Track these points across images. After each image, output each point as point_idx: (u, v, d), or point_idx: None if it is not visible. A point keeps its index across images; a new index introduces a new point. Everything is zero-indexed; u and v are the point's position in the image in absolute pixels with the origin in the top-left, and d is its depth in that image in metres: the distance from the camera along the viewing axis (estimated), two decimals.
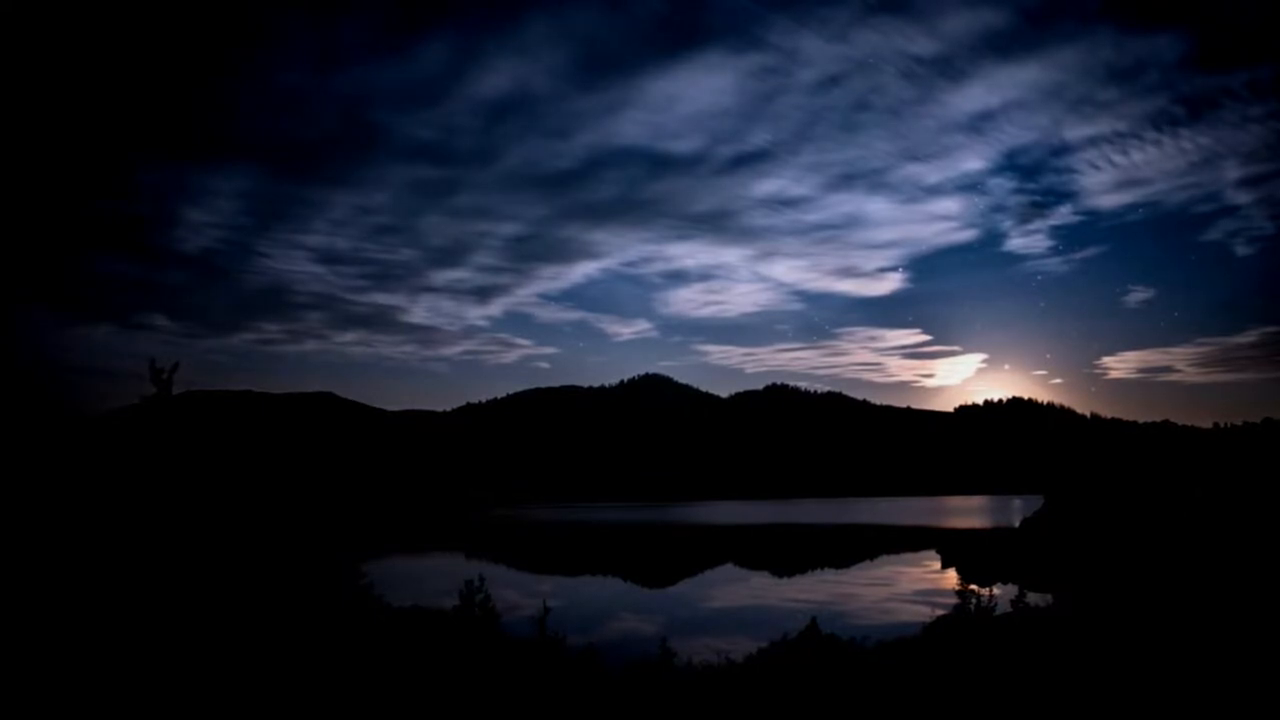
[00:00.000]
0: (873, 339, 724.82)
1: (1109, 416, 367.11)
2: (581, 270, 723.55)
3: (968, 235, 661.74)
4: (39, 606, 11.64)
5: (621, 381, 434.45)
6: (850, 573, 70.67)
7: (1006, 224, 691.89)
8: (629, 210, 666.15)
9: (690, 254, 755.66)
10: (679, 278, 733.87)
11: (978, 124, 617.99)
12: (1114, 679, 13.23)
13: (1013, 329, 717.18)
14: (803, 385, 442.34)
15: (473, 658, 13.61)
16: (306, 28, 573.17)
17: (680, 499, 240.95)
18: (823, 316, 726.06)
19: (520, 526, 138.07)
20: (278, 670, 11.16)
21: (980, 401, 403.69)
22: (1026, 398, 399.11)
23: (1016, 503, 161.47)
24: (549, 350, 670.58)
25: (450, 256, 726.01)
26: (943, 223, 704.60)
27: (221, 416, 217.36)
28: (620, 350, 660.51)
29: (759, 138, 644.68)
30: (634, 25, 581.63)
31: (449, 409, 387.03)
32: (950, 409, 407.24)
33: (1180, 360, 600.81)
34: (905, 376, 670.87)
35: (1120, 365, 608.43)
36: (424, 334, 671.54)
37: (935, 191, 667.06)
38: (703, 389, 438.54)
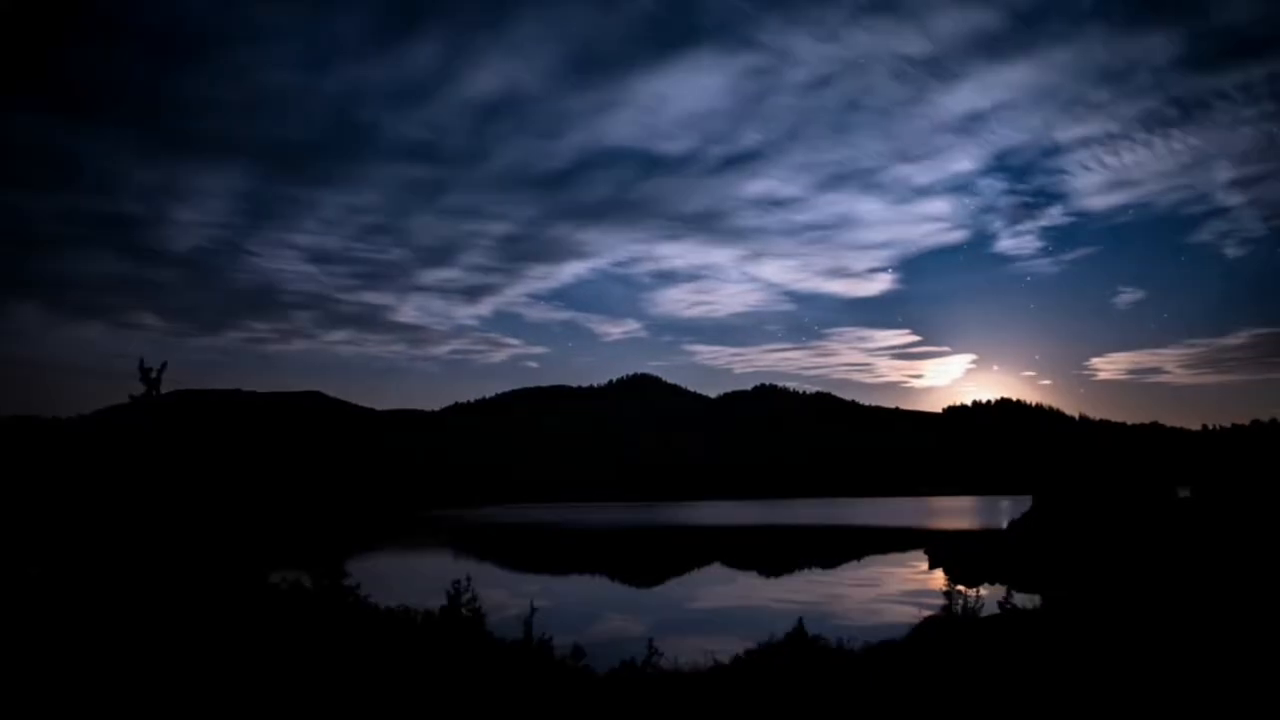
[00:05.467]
0: (862, 339, 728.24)
1: (1098, 418, 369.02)
2: (571, 270, 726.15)
3: (958, 236, 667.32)
4: (22, 608, 11.58)
5: (610, 381, 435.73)
6: (837, 573, 70.81)
7: (997, 225, 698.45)
8: (619, 210, 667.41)
9: (680, 254, 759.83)
10: (668, 278, 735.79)
11: (968, 125, 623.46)
12: (1100, 679, 13.28)
13: (1002, 330, 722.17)
14: (791, 386, 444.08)
15: (459, 658, 13.58)
16: (297, 27, 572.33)
17: (668, 499, 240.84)
18: (812, 317, 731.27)
19: (508, 526, 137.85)
20: (261, 670, 11.11)
21: (969, 402, 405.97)
22: (1015, 399, 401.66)
23: (1004, 504, 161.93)
24: (538, 350, 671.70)
25: (440, 256, 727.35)
26: (933, 223, 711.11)
27: (209, 415, 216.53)
28: (609, 350, 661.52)
29: (750, 138, 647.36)
30: (625, 25, 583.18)
31: (438, 408, 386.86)
32: (939, 410, 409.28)
33: (1169, 362, 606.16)
34: (894, 377, 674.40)
35: (1109, 366, 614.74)
36: (413, 333, 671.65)
37: (926, 192, 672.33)
38: (691, 389, 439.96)
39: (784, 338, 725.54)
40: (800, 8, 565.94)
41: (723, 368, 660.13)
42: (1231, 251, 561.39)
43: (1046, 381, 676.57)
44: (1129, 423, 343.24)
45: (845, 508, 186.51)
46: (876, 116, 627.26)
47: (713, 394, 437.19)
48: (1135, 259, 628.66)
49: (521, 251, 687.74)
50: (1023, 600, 21.62)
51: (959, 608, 17.93)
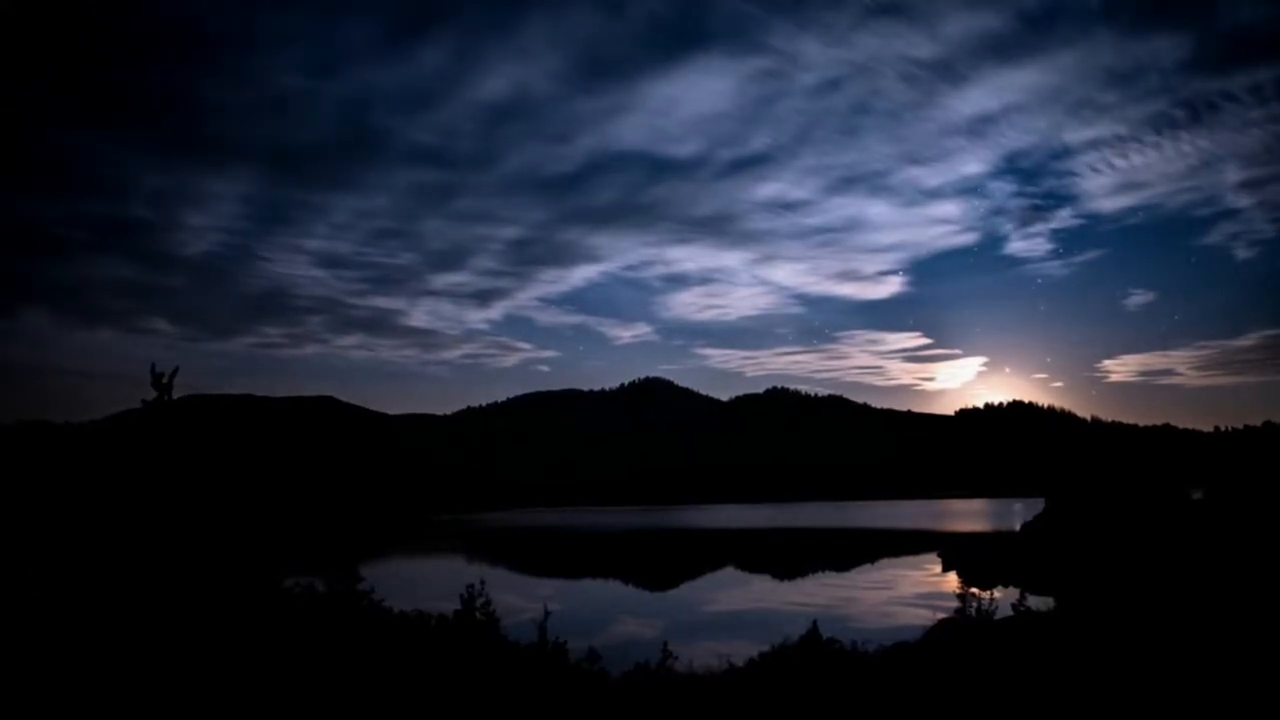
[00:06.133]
0: (873, 342, 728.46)
1: (1110, 420, 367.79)
2: (581, 274, 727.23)
3: (968, 238, 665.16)
4: (35, 612, 11.63)
5: (622, 385, 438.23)
6: (851, 576, 70.70)
7: (1007, 227, 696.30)
8: (629, 214, 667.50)
9: (690, 257, 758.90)
10: (679, 281, 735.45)
11: (978, 127, 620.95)
12: (1114, 682, 13.23)
13: (1013, 332, 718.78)
14: (803, 388, 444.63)
15: (474, 661, 13.61)
16: (308, 31, 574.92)
17: (681, 502, 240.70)
18: (823, 320, 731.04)
19: (521, 530, 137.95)
20: (276, 674, 11.16)
21: (981, 405, 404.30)
22: (1027, 401, 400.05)
23: (1017, 506, 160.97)
24: (549, 353, 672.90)
25: (450, 260, 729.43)
26: (943, 226, 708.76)
27: (222, 420, 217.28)
28: (620, 353, 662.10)
29: (759, 141, 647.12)
30: (634, 29, 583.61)
31: (450, 412, 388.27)
32: (951, 412, 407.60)
33: (1180, 363, 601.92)
34: (906, 380, 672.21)
35: (1121, 368, 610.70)
36: (424, 337, 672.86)
37: (935, 195, 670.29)
38: (703, 392, 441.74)
39: (795, 340, 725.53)
40: (809, 11, 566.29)
41: (734, 371, 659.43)
42: (1241, 253, 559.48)
43: (1058, 384, 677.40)
44: (1141, 424, 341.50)
45: (858, 510, 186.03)
46: (886, 119, 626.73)
47: (724, 397, 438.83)
48: (1145, 261, 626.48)
49: (532, 255, 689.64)
50: (1037, 603, 21.54)
51: (973, 610, 17.85)
